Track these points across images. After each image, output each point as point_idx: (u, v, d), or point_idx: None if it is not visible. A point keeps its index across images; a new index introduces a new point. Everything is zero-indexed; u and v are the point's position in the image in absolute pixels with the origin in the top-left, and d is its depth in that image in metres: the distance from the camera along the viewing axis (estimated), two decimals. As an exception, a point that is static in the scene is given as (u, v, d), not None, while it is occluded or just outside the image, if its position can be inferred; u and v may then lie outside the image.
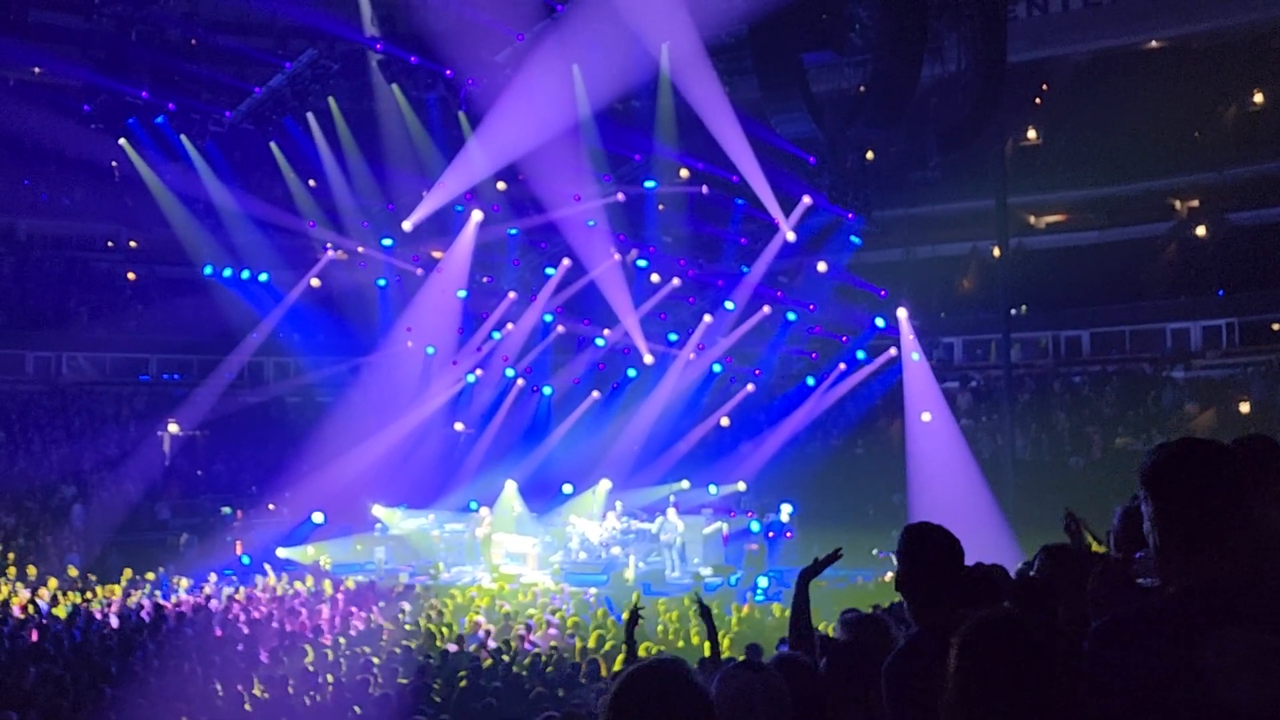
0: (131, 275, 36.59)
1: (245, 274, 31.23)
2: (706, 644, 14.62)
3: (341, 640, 16.20)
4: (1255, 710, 2.35)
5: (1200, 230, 33.53)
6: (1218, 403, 29.17)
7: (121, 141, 30.04)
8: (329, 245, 31.59)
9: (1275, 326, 31.47)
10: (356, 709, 11.80)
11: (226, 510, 29.07)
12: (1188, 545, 2.60)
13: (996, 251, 31.39)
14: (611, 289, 29.26)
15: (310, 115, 29.41)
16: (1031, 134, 37.03)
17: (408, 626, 17.24)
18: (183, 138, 29.41)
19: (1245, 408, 28.24)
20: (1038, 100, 37.17)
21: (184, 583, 22.23)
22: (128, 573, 22.86)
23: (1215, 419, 28.11)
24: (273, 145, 29.93)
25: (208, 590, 21.10)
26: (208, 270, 31.36)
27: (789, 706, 3.08)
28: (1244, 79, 33.39)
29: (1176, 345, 32.35)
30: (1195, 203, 34.46)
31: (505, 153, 26.27)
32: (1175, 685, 2.41)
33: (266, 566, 23.43)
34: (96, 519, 27.97)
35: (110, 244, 37.12)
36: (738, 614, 18.41)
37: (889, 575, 15.47)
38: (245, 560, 25.74)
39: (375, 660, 14.01)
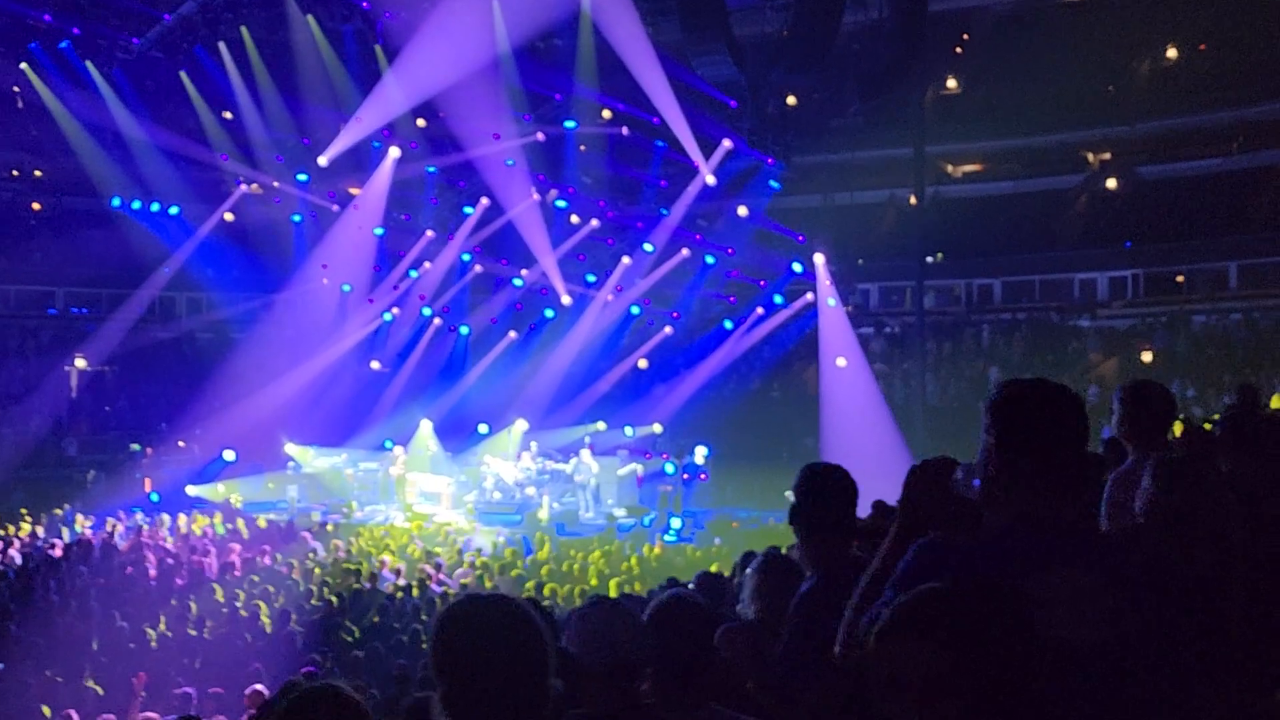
0: (37, 205, 35.49)
1: (155, 207, 30.46)
2: (612, 583, 14.83)
3: (255, 578, 16.13)
4: (1076, 646, 2.46)
5: (1111, 183, 34.16)
6: (1121, 352, 29.95)
7: (23, 66, 28.94)
8: (243, 179, 30.93)
9: (1179, 279, 32.31)
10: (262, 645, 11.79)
11: (135, 447, 28.62)
12: (1023, 480, 2.66)
13: (913, 200, 31.75)
14: (530, 229, 29.08)
15: (222, 45, 28.60)
16: (951, 83, 37.29)
17: (319, 566, 17.21)
18: (89, 64, 28.43)
19: (1148, 357, 29.01)
20: (958, 50, 37.40)
21: (81, 520, 21.89)
22: (25, 513, 22.49)
23: (1118, 368, 28.86)
24: (183, 75, 29.12)
25: (117, 528, 20.79)
26: (116, 202, 30.51)
27: (642, 637, 3.17)
28: (1158, 34, 33.90)
29: (1084, 295, 33.09)
30: (1107, 155, 35.07)
31: (422, 88, 25.85)
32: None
33: (165, 517, 22.90)
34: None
35: (15, 173, 35.89)
36: (649, 554, 18.62)
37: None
38: (154, 498, 25.43)
39: (278, 597, 14.00)
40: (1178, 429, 6.30)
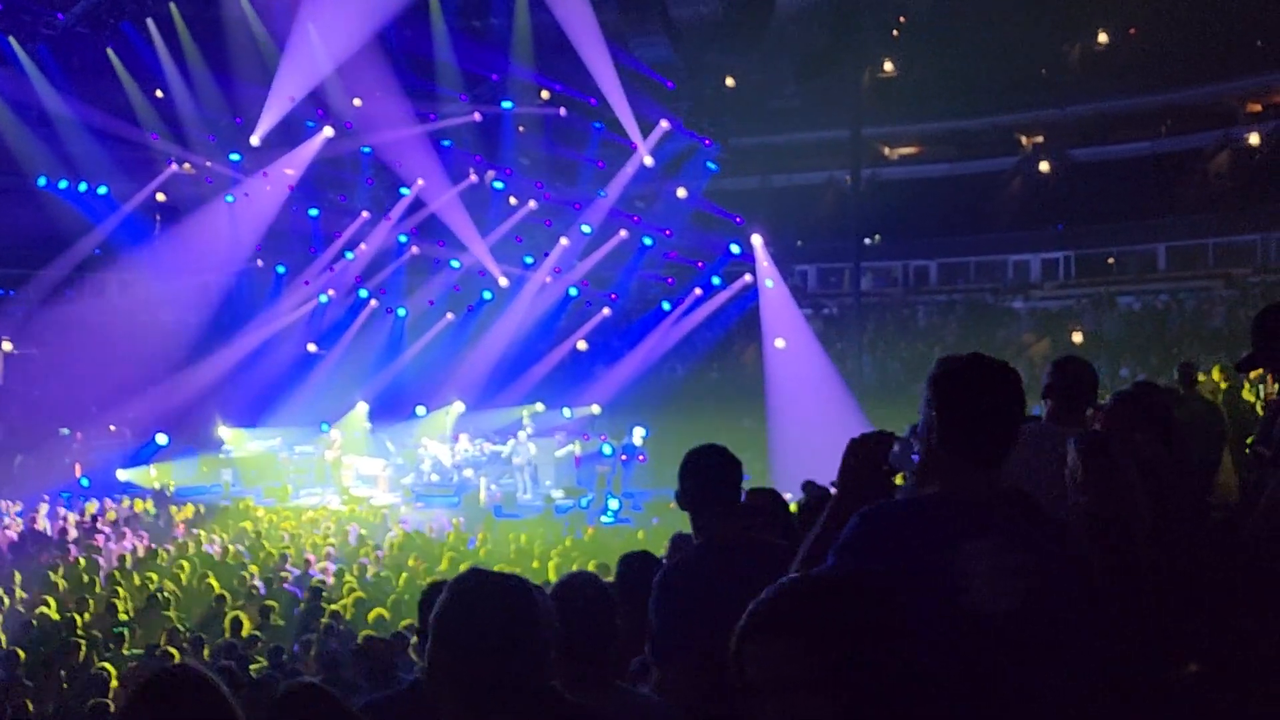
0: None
1: (83, 186, 29.84)
2: (550, 565, 14.83)
3: (185, 564, 15.90)
4: (991, 619, 2.53)
5: (1043, 165, 34.60)
6: (1052, 332, 30.40)
7: (-56, 42, 28.24)
8: (174, 159, 30.39)
9: (1109, 260, 32.86)
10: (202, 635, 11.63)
11: (65, 431, 28.07)
12: (959, 452, 2.74)
13: (850, 181, 31.95)
14: (467, 211, 28.91)
15: (151, 21, 28.06)
16: (888, 66, 37.49)
17: (256, 549, 17.01)
18: (11, 40, 27.76)
19: (1078, 337, 29.47)
20: (895, 33, 37.60)
21: (8, 506, 21.46)
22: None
23: (1050, 347, 29.28)
24: (110, 52, 28.51)
25: (41, 511, 20.42)
26: (42, 181, 29.84)
27: (554, 622, 3.17)
28: (1089, 18, 34.31)
29: (1017, 276, 33.54)
30: (1039, 138, 35.51)
31: (345, 48, 25.49)
32: (926, 585, 2.56)
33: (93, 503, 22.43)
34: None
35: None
36: (586, 535, 18.64)
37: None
38: (84, 482, 25.02)
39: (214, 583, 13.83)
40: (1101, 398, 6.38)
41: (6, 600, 13.15)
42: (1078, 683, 2.65)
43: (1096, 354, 27.40)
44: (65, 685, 9.61)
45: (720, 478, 3.99)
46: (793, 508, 7.49)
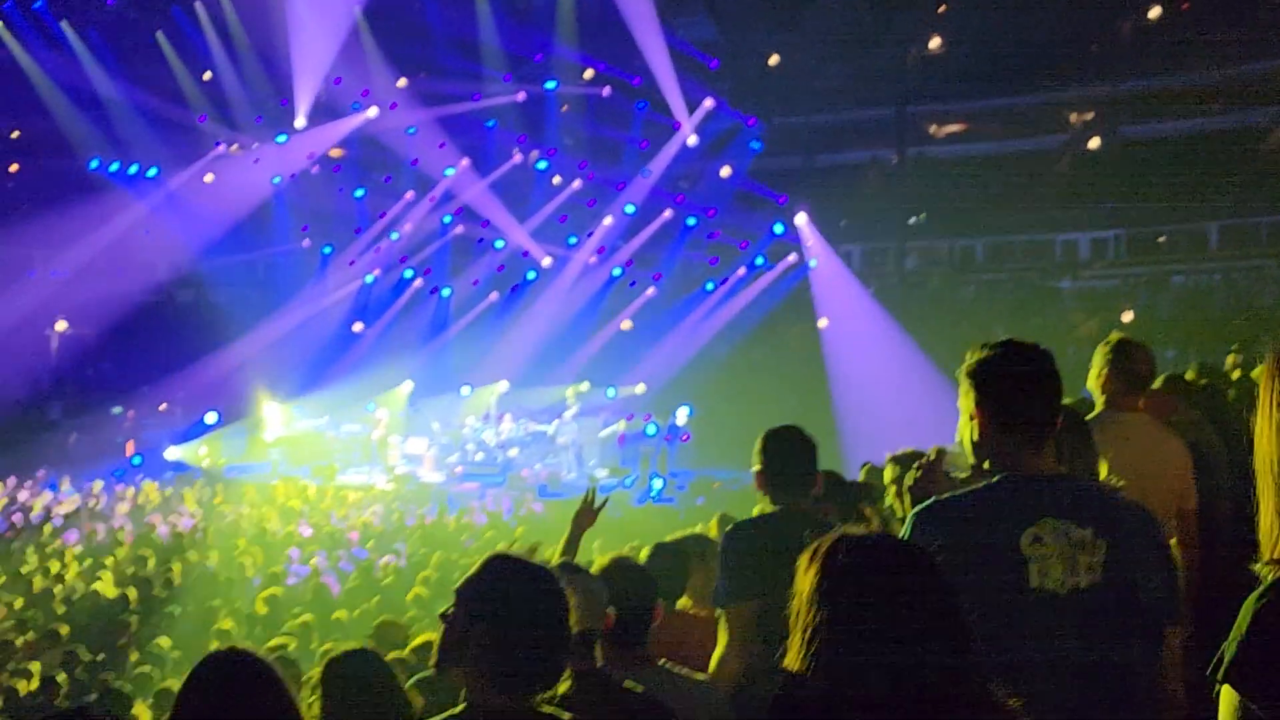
0: (15, 167, 35.10)
1: (134, 168, 30.24)
2: (595, 544, 14.89)
3: (242, 542, 16.13)
4: (1064, 594, 2.60)
5: (1093, 143, 34.11)
6: (1102, 312, 30.04)
7: (-3, 26, 28.68)
8: (221, 140, 30.71)
9: (1160, 239, 32.39)
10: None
11: (117, 410, 28.53)
12: (1005, 438, 2.77)
13: (896, 160, 31.72)
14: (510, 191, 29.02)
15: (199, 4, 28.36)
16: (934, 43, 37.05)
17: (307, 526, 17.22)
18: (64, 24, 28.16)
19: (1128, 317, 29.12)
20: (941, 8, 37.14)
21: (66, 484, 21.88)
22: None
23: (1099, 328, 28.93)
24: (159, 35, 28.83)
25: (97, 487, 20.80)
26: (94, 164, 30.27)
27: (603, 606, 3.23)
28: (1141, -8, 33.77)
29: (1066, 256, 33.12)
30: (1090, 115, 34.99)
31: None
32: (994, 569, 2.60)
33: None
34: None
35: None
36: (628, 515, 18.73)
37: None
38: (136, 461, 25.44)
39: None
40: (1157, 382, 6.38)
41: (68, 575, 13.43)
42: (1147, 657, 2.70)
43: (1148, 334, 27.05)
44: (132, 658, 9.82)
45: (793, 454, 4.12)
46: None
